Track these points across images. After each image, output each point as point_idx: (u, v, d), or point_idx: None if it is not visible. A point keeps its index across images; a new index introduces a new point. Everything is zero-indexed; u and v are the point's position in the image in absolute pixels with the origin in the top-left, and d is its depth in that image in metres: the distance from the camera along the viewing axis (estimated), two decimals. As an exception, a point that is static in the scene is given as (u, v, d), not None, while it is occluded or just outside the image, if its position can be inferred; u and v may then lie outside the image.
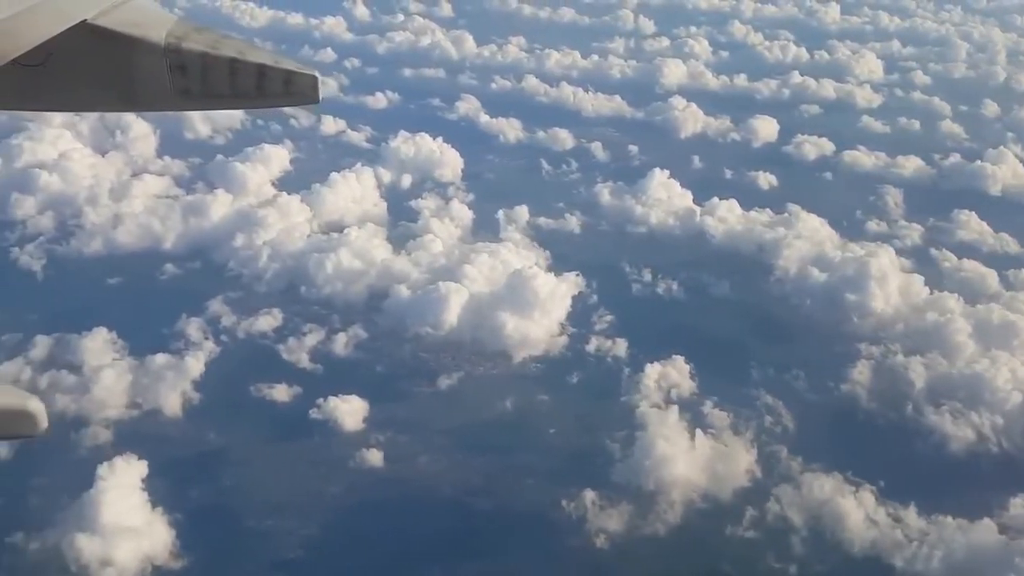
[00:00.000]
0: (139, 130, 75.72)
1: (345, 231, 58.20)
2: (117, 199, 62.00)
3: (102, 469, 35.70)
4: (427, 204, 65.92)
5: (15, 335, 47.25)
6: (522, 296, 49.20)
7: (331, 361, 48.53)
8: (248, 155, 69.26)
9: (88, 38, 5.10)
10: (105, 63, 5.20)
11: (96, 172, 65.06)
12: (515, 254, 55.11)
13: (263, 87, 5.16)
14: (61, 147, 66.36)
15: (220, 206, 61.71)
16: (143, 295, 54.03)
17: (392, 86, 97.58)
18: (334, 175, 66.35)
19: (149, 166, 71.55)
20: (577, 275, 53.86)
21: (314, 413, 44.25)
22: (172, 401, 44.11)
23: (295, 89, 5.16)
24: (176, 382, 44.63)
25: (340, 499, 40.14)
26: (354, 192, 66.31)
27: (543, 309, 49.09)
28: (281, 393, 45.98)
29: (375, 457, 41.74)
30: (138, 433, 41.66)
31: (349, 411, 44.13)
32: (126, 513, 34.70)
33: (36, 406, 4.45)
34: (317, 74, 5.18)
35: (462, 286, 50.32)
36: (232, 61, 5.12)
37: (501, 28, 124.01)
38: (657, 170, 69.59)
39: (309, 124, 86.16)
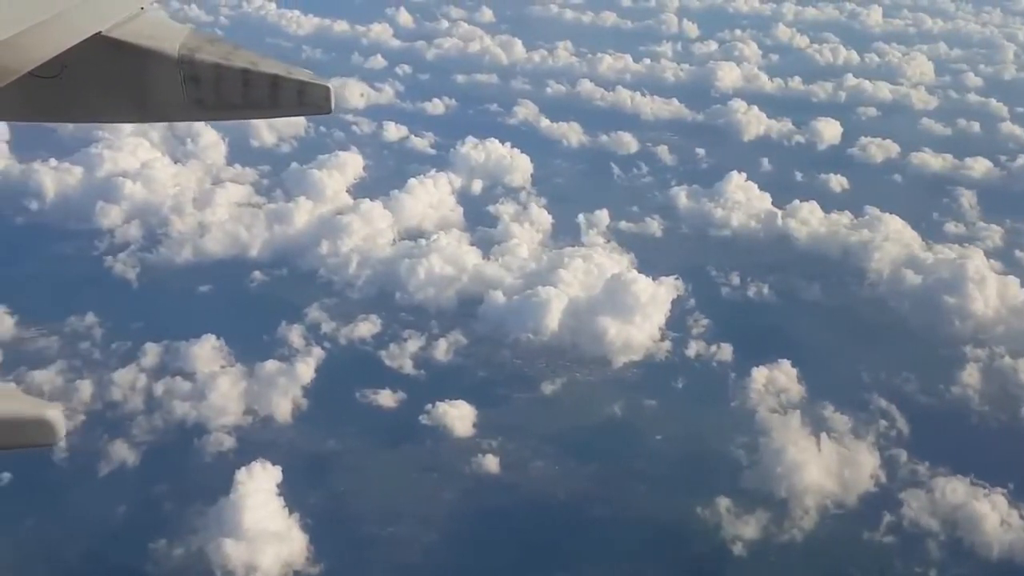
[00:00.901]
0: (209, 139, 76.36)
1: (432, 237, 58.51)
2: (201, 207, 62.51)
3: (240, 474, 35.83)
4: (506, 209, 66.00)
5: (124, 343, 47.63)
6: (621, 300, 49.22)
7: (433, 367, 48.65)
8: (323, 162, 69.57)
9: (103, 50, 5.16)
10: (120, 75, 5.26)
11: (178, 181, 65.57)
12: (608, 258, 55.06)
13: (276, 98, 5.23)
14: (141, 156, 66.92)
15: (302, 213, 62.06)
16: (236, 302, 54.39)
17: (447, 92, 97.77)
18: (412, 181, 66.52)
19: (221, 174, 72.05)
20: (677, 279, 53.73)
21: (424, 419, 44.32)
22: (283, 407, 44.31)
23: (308, 100, 5.24)
24: (287, 389, 44.83)
25: (459, 505, 40.11)
26: (431, 198, 66.48)
27: (643, 313, 49.00)
28: (386, 399, 46.15)
29: (491, 463, 41.72)
30: (258, 439, 41.93)
31: (458, 417, 44.21)
32: (267, 518, 34.78)
33: (54, 415, 4.42)
34: (330, 85, 5.26)
35: (560, 291, 50.22)
36: (245, 72, 5.19)
37: (545, 33, 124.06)
38: (734, 173, 69.46)
39: (371, 130, 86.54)
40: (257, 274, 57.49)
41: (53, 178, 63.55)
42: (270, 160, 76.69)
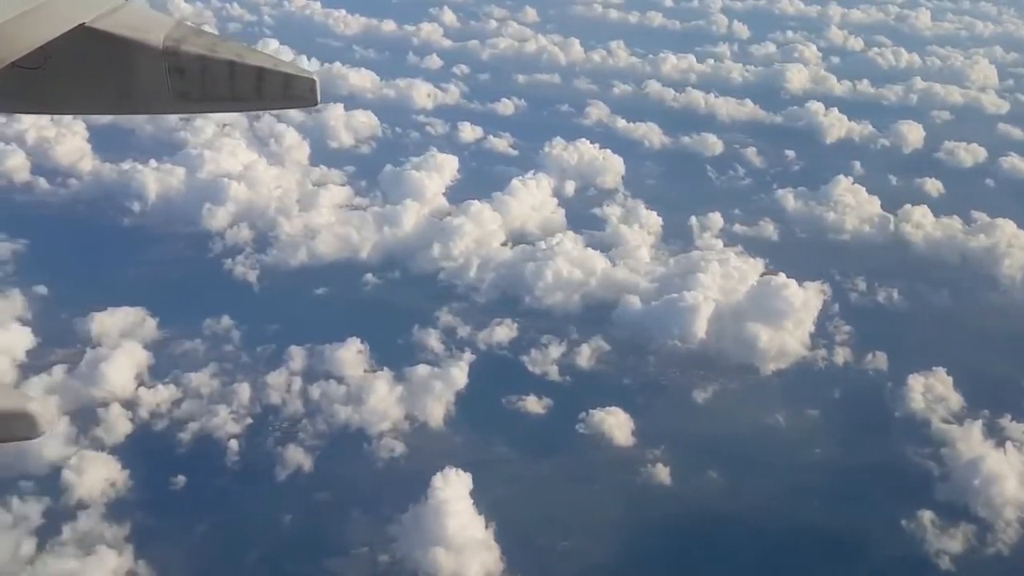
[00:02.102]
0: (292, 139, 76.20)
1: (554, 240, 58.43)
2: (306, 209, 62.26)
3: (436, 481, 35.66)
4: (612, 211, 65.91)
5: (266, 346, 47.45)
6: (770, 306, 49.17)
7: (577, 373, 48.53)
8: (420, 163, 69.44)
9: (87, 41, 5.16)
10: (103, 66, 5.27)
11: (279, 182, 65.37)
12: (744, 262, 55.04)
13: (262, 90, 5.25)
14: (241, 157, 66.75)
15: (409, 215, 61.91)
16: (358, 305, 54.24)
17: (512, 92, 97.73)
18: (514, 182, 66.46)
19: (311, 175, 71.81)
20: (823, 283, 53.79)
21: (580, 428, 44.19)
22: (436, 413, 44.13)
23: (294, 92, 5.26)
24: (440, 394, 44.60)
25: (633, 518, 39.74)
26: (533, 199, 66.40)
27: (793, 319, 48.99)
28: (534, 405, 45.99)
29: (661, 473, 41.51)
30: (423, 445, 41.78)
31: (616, 425, 44.09)
32: (467, 527, 34.61)
33: (36, 408, 4.40)
34: (315, 77, 5.28)
35: (705, 296, 50.18)
36: (231, 64, 5.21)
37: (594, 33, 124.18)
38: (840, 176, 69.67)
39: (445, 131, 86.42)
40: (370, 277, 57.35)
41: (154, 179, 63.25)
42: (352, 161, 76.54)
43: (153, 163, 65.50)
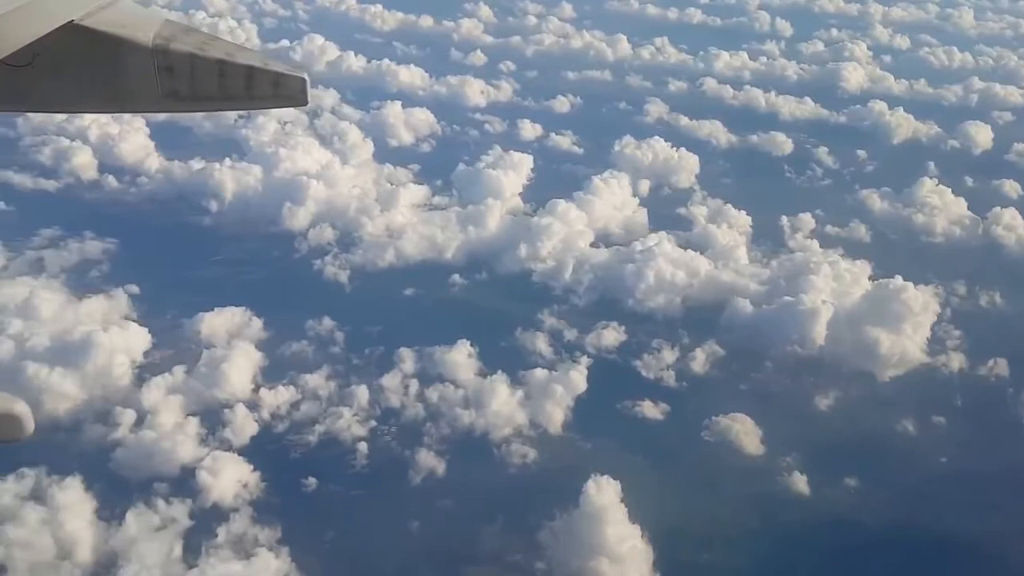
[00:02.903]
0: (354, 138, 75.81)
1: (648, 239, 58.33)
2: (385, 208, 61.92)
3: (589, 487, 35.43)
4: (698, 211, 65.66)
5: (374, 348, 47.17)
6: (888, 310, 48.90)
7: (691, 378, 48.29)
8: (495, 162, 69.23)
9: (75, 39, 5.19)
10: (92, 64, 5.30)
11: (355, 182, 65.10)
12: (852, 265, 54.82)
13: (252, 89, 5.28)
14: (315, 155, 66.45)
15: (492, 214, 61.64)
16: (451, 306, 54.06)
17: (565, 89, 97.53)
18: (596, 181, 66.23)
19: (383, 174, 71.48)
20: (938, 287, 53.61)
21: (705, 435, 43.94)
22: (556, 417, 43.86)
23: (284, 92, 5.30)
24: (558, 399, 44.35)
25: (773, 528, 39.34)
26: (614, 198, 66.12)
27: (911, 324, 48.75)
28: (651, 410, 45.76)
29: (799, 482, 41.17)
30: (550, 450, 41.52)
31: (743, 432, 43.77)
32: (624, 535, 34.36)
33: (22, 409, 4.48)
34: (306, 76, 5.30)
35: (820, 300, 49.94)
36: (220, 63, 5.24)
37: (633, 29, 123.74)
38: (925, 178, 69.63)
39: (504, 129, 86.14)
40: (456, 278, 57.06)
41: (231, 178, 62.92)
42: (416, 159, 76.28)
43: (228, 162, 65.10)
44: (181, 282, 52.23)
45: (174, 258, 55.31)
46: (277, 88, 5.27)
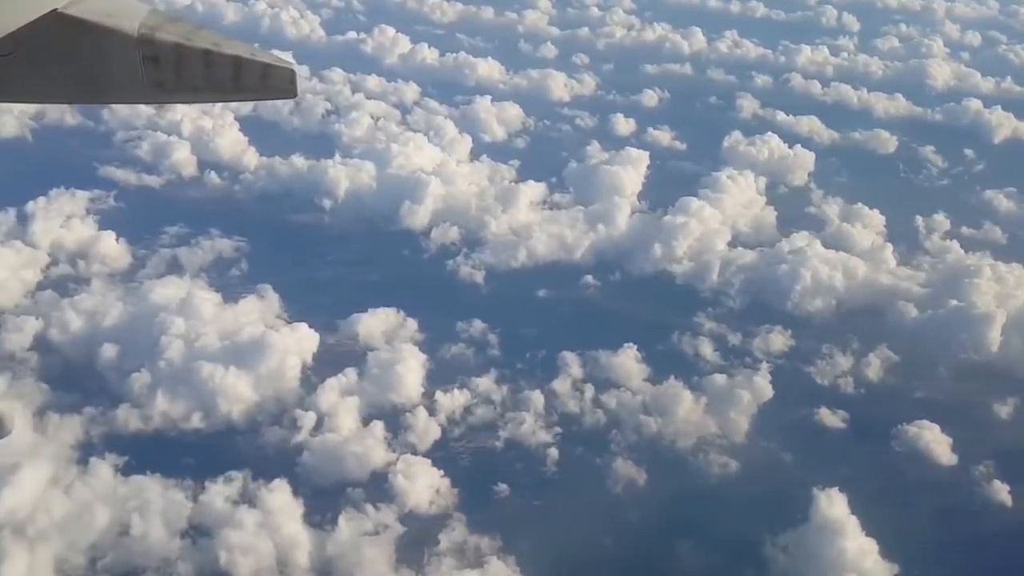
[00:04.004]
0: (451, 133, 74.52)
1: (794, 240, 57.06)
2: (507, 207, 60.63)
3: (820, 499, 34.14)
4: (830, 210, 64.33)
5: (537, 351, 45.94)
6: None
7: (866, 385, 47.00)
8: (612, 159, 68.01)
9: (58, 27, 5.08)
10: (76, 53, 5.21)
11: (471, 179, 63.96)
12: (1011, 269, 53.52)
13: (239, 80, 5.16)
14: (428, 152, 65.28)
15: (620, 213, 60.41)
16: (591, 308, 52.95)
17: (648, 83, 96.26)
18: (721, 178, 65.01)
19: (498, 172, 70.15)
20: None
21: (895, 444, 42.69)
22: (740, 425, 42.64)
23: (272, 83, 5.17)
24: (744, 407, 43.14)
25: (981, 541, 38.24)
26: (742, 196, 64.81)
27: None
28: (830, 418, 44.47)
29: (1000, 492, 39.91)
30: (747, 460, 40.28)
31: (933, 441, 42.47)
32: (863, 550, 33.10)
33: (4, 409, 4.51)
34: (294, 67, 5.22)
35: (994, 305, 48.69)
36: (207, 53, 5.12)
37: (697, 22, 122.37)
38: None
39: (595, 124, 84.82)
40: (589, 279, 55.80)
41: (345, 175, 61.65)
42: (514, 155, 74.88)
43: (338, 158, 63.89)
44: (314, 282, 51.24)
45: (299, 257, 54.22)
46: (265, 79, 5.15)
